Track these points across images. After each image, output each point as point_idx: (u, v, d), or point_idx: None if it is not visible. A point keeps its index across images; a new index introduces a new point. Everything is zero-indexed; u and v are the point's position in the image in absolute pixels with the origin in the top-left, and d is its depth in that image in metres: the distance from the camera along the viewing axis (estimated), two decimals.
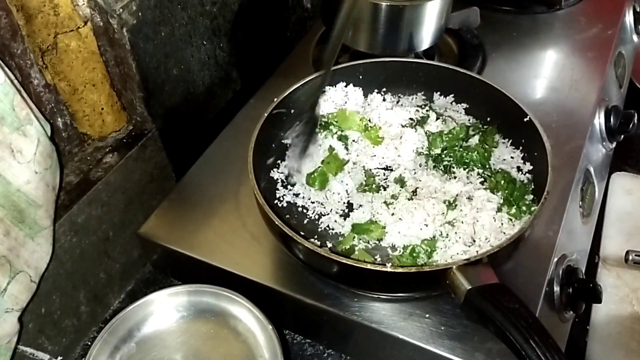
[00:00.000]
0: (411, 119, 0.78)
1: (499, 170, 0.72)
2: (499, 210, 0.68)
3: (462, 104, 0.81)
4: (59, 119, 0.71)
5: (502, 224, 0.66)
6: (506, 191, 0.68)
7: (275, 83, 0.94)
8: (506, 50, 1.00)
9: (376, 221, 0.68)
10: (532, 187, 0.70)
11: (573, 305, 0.73)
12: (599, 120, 0.92)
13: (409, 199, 0.69)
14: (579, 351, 0.77)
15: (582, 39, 1.03)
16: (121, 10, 0.68)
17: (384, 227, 0.68)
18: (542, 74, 0.96)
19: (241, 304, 0.69)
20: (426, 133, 0.77)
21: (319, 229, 0.71)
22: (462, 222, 0.67)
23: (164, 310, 0.71)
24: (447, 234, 0.65)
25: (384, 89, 0.83)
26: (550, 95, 0.91)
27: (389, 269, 0.57)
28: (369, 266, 0.58)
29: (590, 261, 0.85)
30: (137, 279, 0.83)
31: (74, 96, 0.71)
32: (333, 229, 0.70)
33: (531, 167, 0.72)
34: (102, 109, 0.75)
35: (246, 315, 0.70)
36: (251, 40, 0.99)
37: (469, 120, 0.80)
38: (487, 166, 0.73)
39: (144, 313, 0.71)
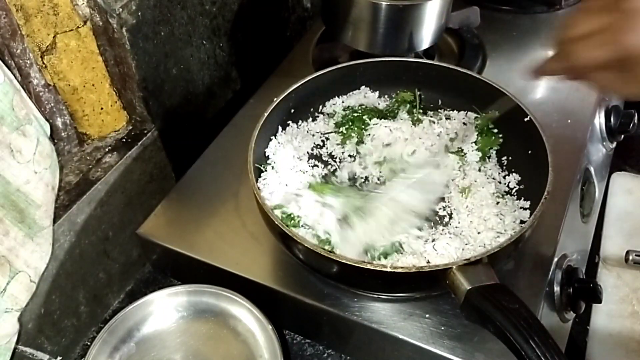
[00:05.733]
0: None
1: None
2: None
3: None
4: (58, 119, 0.71)
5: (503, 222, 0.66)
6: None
7: (275, 83, 0.94)
8: (506, 50, 1.00)
9: None
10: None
11: (573, 305, 0.73)
12: (599, 120, 0.91)
13: None
14: (579, 351, 0.77)
15: None
16: (121, 9, 0.68)
17: None
18: None
19: (241, 304, 0.69)
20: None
21: None
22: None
23: (163, 310, 0.71)
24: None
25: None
26: (551, 95, 0.91)
27: (389, 269, 0.57)
28: (368, 266, 0.58)
29: (590, 261, 0.85)
30: (137, 279, 0.83)
31: (73, 96, 0.71)
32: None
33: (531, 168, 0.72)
34: (102, 108, 0.75)
35: (246, 316, 0.70)
36: (251, 40, 0.99)
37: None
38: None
39: (144, 313, 0.71)
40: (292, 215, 0.67)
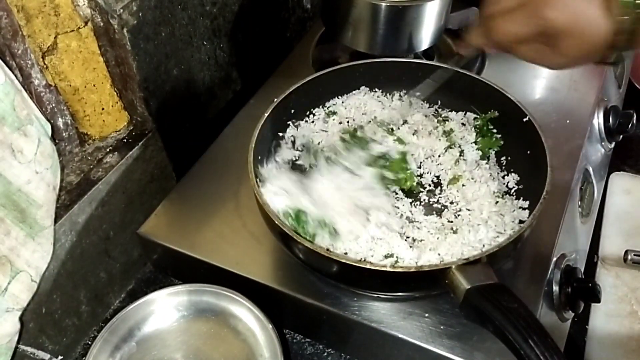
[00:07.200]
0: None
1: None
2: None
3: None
4: (59, 119, 0.71)
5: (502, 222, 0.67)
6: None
7: (275, 83, 0.94)
8: None
9: None
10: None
11: (572, 305, 0.74)
12: (598, 120, 0.92)
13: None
14: (578, 351, 0.77)
15: None
16: (122, 10, 0.68)
17: None
18: (541, 74, 0.96)
19: (241, 304, 0.69)
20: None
21: None
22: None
23: (164, 309, 0.72)
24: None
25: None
26: (550, 95, 0.91)
27: (388, 269, 0.57)
28: (368, 266, 0.59)
29: (589, 261, 0.86)
30: (138, 278, 0.83)
31: (74, 96, 0.71)
32: None
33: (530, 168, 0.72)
34: (103, 109, 0.75)
35: (246, 315, 0.70)
36: (251, 41, 0.99)
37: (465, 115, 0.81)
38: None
39: (145, 312, 0.71)
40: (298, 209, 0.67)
